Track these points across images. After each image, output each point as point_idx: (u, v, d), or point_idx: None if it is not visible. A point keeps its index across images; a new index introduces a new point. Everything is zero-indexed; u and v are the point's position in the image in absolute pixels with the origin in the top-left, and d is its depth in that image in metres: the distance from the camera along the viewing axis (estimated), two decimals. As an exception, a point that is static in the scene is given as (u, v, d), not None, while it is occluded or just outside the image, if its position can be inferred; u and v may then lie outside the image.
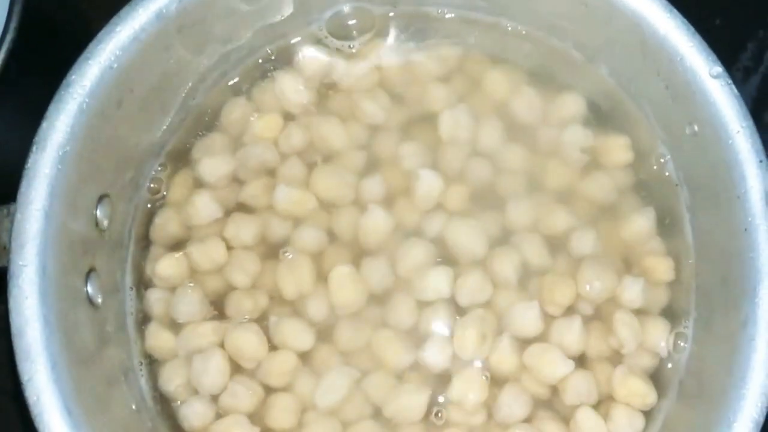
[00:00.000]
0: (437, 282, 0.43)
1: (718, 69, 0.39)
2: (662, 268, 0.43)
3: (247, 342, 0.42)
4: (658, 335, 0.42)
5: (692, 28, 0.40)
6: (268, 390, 0.43)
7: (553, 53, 0.46)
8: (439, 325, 0.43)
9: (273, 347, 0.43)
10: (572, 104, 0.46)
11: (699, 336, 0.41)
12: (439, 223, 0.45)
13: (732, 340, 0.36)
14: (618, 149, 0.46)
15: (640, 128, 0.45)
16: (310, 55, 0.47)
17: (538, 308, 0.42)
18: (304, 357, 0.43)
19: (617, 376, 0.41)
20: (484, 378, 0.42)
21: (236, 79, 0.47)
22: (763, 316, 0.36)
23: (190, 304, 0.43)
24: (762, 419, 0.34)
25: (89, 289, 0.38)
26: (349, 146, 0.47)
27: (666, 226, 0.44)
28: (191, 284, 0.44)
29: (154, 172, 0.45)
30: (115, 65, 0.37)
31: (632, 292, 0.41)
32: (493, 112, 0.47)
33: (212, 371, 0.42)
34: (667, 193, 0.44)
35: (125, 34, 0.36)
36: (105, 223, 0.40)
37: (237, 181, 0.46)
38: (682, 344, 0.41)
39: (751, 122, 0.38)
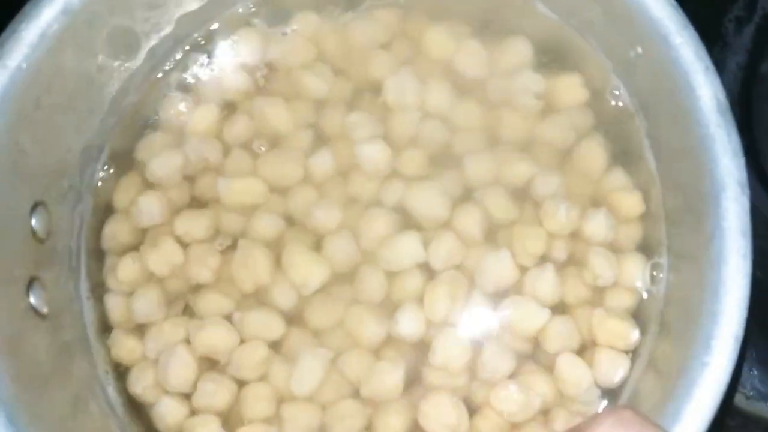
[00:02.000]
0: (409, 248, 0.42)
1: (652, -18, 0.38)
2: (630, 201, 0.42)
3: (216, 336, 0.42)
4: (636, 270, 0.41)
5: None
6: (243, 384, 0.42)
7: (490, 2, 0.45)
8: (410, 293, 0.42)
9: (243, 341, 0.42)
10: (519, 50, 0.45)
11: (673, 264, 0.39)
12: (398, 191, 0.44)
13: (702, 259, 0.35)
14: (571, 88, 0.45)
15: (589, 62, 0.44)
16: (243, 38, 0.46)
17: (508, 258, 0.41)
18: (276, 345, 0.42)
19: (596, 319, 0.40)
20: (464, 338, 0.41)
21: (169, 72, 0.46)
22: (729, 227, 0.34)
23: (150, 304, 0.43)
24: (741, 333, 0.33)
25: (32, 299, 0.38)
26: (296, 126, 0.46)
27: (630, 158, 0.42)
28: (150, 286, 0.43)
29: (97, 177, 0.44)
30: (24, 65, 0.36)
31: (597, 223, 0.40)
32: (439, 72, 0.46)
33: (178, 367, 0.41)
34: (626, 125, 0.43)
35: (32, 32, 0.36)
36: (43, 232, 0.39)
37: (187, 177, 0.46)
38: (658, 275, 0.40)
39: (692, 30, 0.37)
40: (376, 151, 0.44)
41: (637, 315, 0.40)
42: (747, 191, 0.34)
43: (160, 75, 0.47)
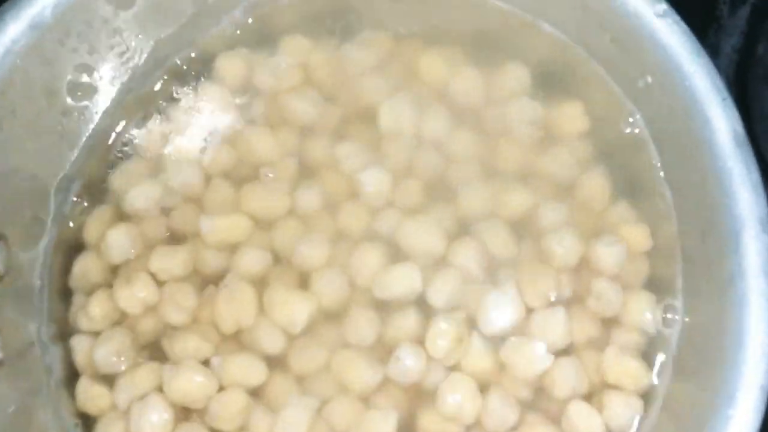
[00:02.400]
0: (405, 279, 0.39)
1: (663, 6, 0.36)
2: (637, 235, 0.40)
3: (192, 382, 0.38)
4: (644, 308, 0.38)
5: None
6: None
7: (491, 22, 0.43)
8: (406, 333, 0.39)
9: (222, 388, 0.39)
10: (516, 76, 0.43)
11: (689, 305, 0.37)
12: (391, 224, 0.41)
13: (722, 301, 0.33)
14: (572, 117, 0.42)
15: (596, 89, 0.42)
16: (226, 62, 0.44)
17: (515, 295, 0.38)
18: (258, 392, 0.39)
19: (608, 358, 0.37)
20: (473, 384, 0.38)
21: (148, 97, 0.44)
22: (751, 267, 0.32)
23: (120, 349, 0.39)
24: (767, 383, 0.30)
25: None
26: (281, 155, 0.43)
27: (642, 191, 0.40)
28: (120, 328, 0.40)
29: (67, 209, 0.41)
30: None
31: (603, 251, 0.38)
32: (434, 99, 0.43)
33: (151, 418, 0.38)
34: (639, 155, 0.40)
35: (-5, 46, 0.33)
36: (1, 268, 0.36)
37: (164, 210, 0.43)
38: (671, 317, 0.38)
39: (706, 59, 0.35)
40: (377, 179, 0.41)
41: (649, 357, 0.38)
42: (768, 229, 0.32)
43: (137, 99, 0.44)
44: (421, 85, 0.44)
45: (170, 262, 0.41)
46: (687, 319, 0.36)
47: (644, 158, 0.39)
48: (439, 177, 0.42)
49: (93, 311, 0.40)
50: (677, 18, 0.36)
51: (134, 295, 0.40)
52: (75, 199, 0.42)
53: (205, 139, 0.43)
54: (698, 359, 0.35)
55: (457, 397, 0.37)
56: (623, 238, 0.40)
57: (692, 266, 0.36)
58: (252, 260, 0.41)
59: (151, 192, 0.42)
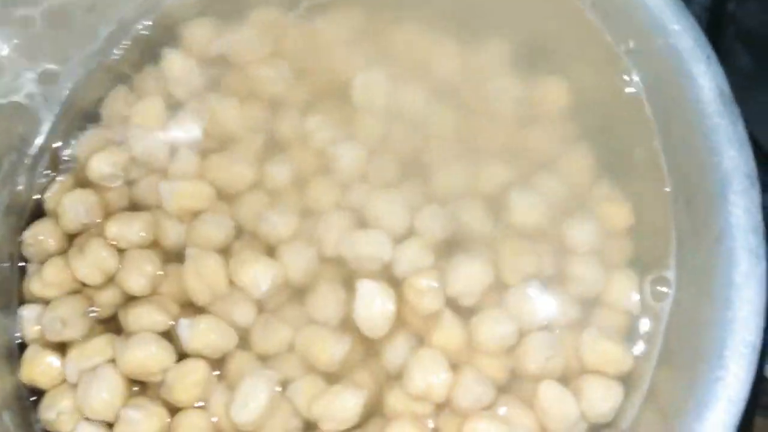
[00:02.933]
0: (374, 245, 0.37)
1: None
2: (618, 213, 0.38)
3: (147, 353, 0.36)
4: (626, 289, 0.36)
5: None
6: (176, 411, 0.36)
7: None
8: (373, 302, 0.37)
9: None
10: (496, 52, 0.42)
11: (680, 277, 0.34)
12: (360, 199, 0.40)
13: (711, 264, 0.31)
14: (555, 93, 0.41)
15: (581, 61, 0.40)
16: (194, 30, 0.42)
17: (487, 268, 0.36)
18: (218, 369, 0.37)
19: (586, 340, 0.35)
20: (443, 362, 0.35)
21: (113, 64, 0.42)
22: (738, 224, 0.30)
23: (69, 316, 0.37)
24: (760, 342, 0.28)
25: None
26: (249, 128, 0.42)
27: (631, 163, 0.38)
28: (73, 296, 0.38)
29: (25, 176, 0.39)
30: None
31: (576, 230, 0.36)
32: (410, 73, 0.42)
33: (102, 390, 0.35)
34: (628, 125, 0.38)
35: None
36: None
37: (128, 181, 0.41)
38: (664, 290, 0.35)
39: (690, 19, 0.34)
40: (352, 152, 0.39)
41: (634, 338, 0.36)
42: (757, 184, 0.30)
43: (103, 68, 0.42)
44: (397, 60, 0.42)
45: (128, 229, 0.39)
46: (678, 294, 0.34)
47: (636, 127, 0.37)
48: (414, 153, 0.41)
49: (47, 278, 0.38)
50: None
51: (88, 261, 0.38)
52: (43, 170, 0.40)
53: (171, 109, 0.42)
54: (688, 332, 0.32)
55: (426, 375, 0.35)
56: (603, 215, 0.38)
57: (682, 233, 0.34)
58: (213, 228, 0.39)
59: (112, 159, 0.40)
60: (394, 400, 0.36)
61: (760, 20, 0.40)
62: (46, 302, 0.38)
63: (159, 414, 0.36)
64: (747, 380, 0.27)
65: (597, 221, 0.38)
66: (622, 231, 0.38)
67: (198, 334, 0.36)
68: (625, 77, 0.37)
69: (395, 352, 0.37)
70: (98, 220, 0.40)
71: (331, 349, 0.36)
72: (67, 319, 0.37)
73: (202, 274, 0.38)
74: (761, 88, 0.39)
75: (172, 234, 0.39)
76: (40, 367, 0.37)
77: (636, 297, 0.36)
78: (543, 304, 0.37)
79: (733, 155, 0.31)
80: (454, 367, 0.36)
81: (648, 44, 0.35)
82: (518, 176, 0.40)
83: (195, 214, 0.40)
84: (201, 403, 0.36)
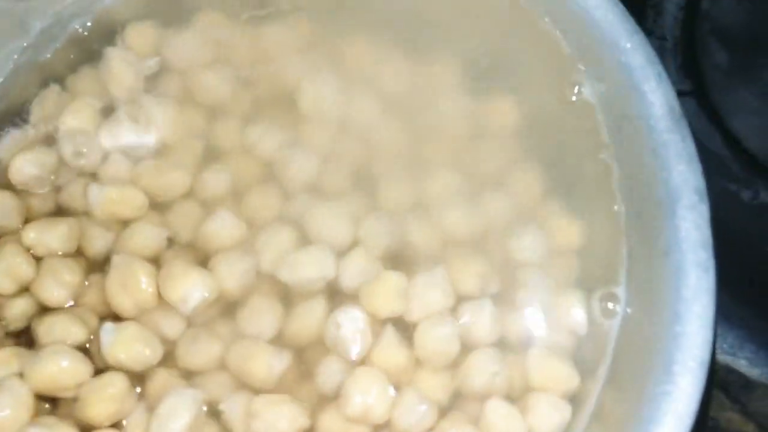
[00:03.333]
0: (317, 262, 0.35)
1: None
2: (566, 229, 0.37)
3: (56, 367, 0.33)
4: (574, 308, 0.35)
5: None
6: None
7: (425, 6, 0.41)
8: (311, 324, 0.35)
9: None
10: (446, 68, 0.41)
11: (630, 295, 0.33)
12: (302, 210, 0.38)
13: (659, 279, 0.30)
14: (503, 111, 0.40)
15: (532, 79, 0.39)
16: (135, 33, 0.41)
17: (443, 279, 0.35)
18: (140, 385, 0.34)
19: (532, 359, 0.34)
20: (383, 380, 0.34)
21: (46, 63, 0.40)
22: (687, 238, 0.29)
23: None
24: (708, 357, 0.27)
25: None
26: (187, 134, 0.40)
27: (582, 179, 0.37)
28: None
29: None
30: None
31: (520, 245, 0.35)
32: (359, 84, 0.41)
33: (6, 406, 0.32)
34: (578, 142, 0.37)
35: None
36: None
37: (55, 187, 0.39)
38: (612, 307, 0.34)
39: (642, 36, 0.34)
40: (301, 160, 0.38)
41: (582, 355, 0.34)
42: (706, 199, 0.30)
43: (35, 67, 0.40)
44: (345, 70, 0.41)
45: (48, 235, 0.36)
46: (628, 309, 0.33)
47: (587, 144, 0.37)
48: (360, 165, 0.40)
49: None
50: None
51: (0, 267, 0.35)
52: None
53: (105, 112, 0.40)
54: (635, 349, 0.31)
55: (365, 395, 0.33)
56: (551, 232, 0.37)
57: (632, 248, 0.33)
58: (143, 237, 0.37)
59: (40, 161, 0.38)
60: (329, 422, 0.34)
61: (735, 16, 0.40)
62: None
63: (67, 434, 0.33)
64: (695, 396, 0.26)
65: (545, 238, 0.37)
66: (570, 249, 0.37)
67: (121, 340, 0.34)
68: (577, 94, 0.37)
69: (330, 371, 0.35)
70: (17, 225, 0.37)
71: (269, 363, 0.34)
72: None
73: (128, 285, 0.35)
74: (737, 84, 0.40)
75: (99, 243, 0.37)
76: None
77: (583, 316, 0.35)
78: (489, 321, 0.35)
79: (683, 170, 0.31)
80: (395, 386, 0.34)
81: (600, 61, 0.35)
82: (465, 192, 0.39)
83: (124, 223, 0.38)
84: (118, 423, 0.34)
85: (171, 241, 0.38)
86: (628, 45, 0.34)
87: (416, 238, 0.37)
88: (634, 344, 0.31)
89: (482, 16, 0.40)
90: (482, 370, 0.33)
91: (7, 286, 0.35)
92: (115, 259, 0.36)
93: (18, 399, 0.33)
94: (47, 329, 0.35)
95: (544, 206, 0.38)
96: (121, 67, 0.40)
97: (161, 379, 0.35)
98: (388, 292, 0.34)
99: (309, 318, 0.35)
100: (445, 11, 0.41)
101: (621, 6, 0.35)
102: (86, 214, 0.38)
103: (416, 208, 0.38)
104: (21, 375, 0.33)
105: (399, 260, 0.37)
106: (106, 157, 0.39)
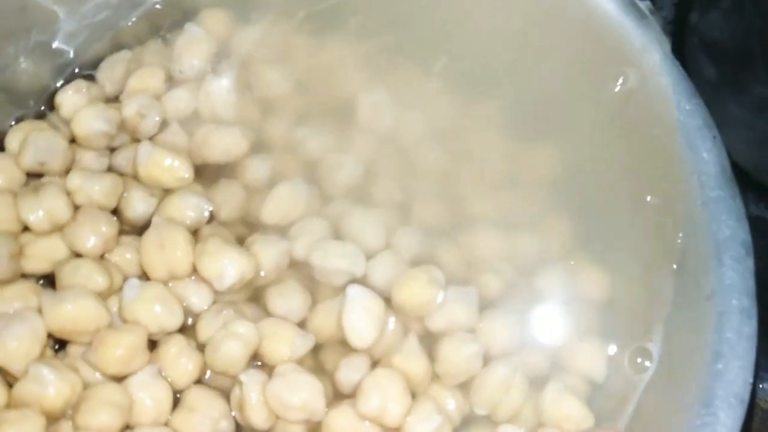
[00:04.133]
0: (347, 258, 0.35)
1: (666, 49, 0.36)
2: (598, 282, 0.37)
3: (79, 308, 0.32)
4: (590, 358, 0.35)
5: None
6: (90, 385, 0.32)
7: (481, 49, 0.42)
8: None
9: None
10: (492, 107, 0.42)
11: (664, 341, 0.33)
12: (339, 212, 0.38)
13: (700, 322, 0.30)
14: (544, 160, 0.41)
15: (574, 131, 0.40)
16: (209, 18, 0.42)
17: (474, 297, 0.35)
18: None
19: (547, 394, 0.34)
20: (401, 383, 0.33)
21: (120, 32, 0.41)
22: (733, 285, 0.30)
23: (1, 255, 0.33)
24: (747, 397, 0.27)
25: None
26: (240, 120, 0.40)
27: (619, 230, 0.37)
28: (9, 235, 0.34)
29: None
30: None
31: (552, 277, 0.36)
32: (411, 106, 0.42)
33: (19, 337, 0.31)
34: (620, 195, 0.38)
35: None
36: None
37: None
38: (641, 361, 0.33)
39: (700, 100, 0.35)
40: (350, 166, 0.38)
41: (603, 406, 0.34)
42: (752, 254, 0.30)
43: (109, 31, 0.41)
44: (399, 90, 0.42)
45: (92, 184, 0.36)
46: (660, 361, 0.33)
47: (629, 198, 0.37)
48: (400, 181, 0.40)
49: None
50: (676, 63, 0.36)
51: (40, 204, 0.34)
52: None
53: (169, 84, 0.40)
54: (664, 396, 0.31)
55: (385, 396, 0.32)
56: (581, 283, 0.37)
57: (669, 294, 0.33)
58: (187, 206, 0.36)
59: (102, 116, 0.38)
60: (339, 418, 0.33)
61: (723, 31, 0.41)
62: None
63: (73, 382, 0.31)
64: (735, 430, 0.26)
65: (571, 285, 0.37)
66: (597, 299, 0.37)
67: (144, 298, 0.33)
68: (628, 149, 0.38)
69: (350, 368, 0.34)
70: (64, 170, 0.37)
71: (294, 341, 0.33)
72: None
73: (165, 247, 0.34)
74: (726, 99, 0.40)
75: (139, 206, 0.37)
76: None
77: (603, 366, 0.35)
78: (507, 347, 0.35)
79: (732, 225, 0.31)
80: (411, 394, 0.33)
81: (660, 120, 0.36)
82: (496, 224, 0.39)
83: (166, 192, 0.37)
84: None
85: (210, 218, 0.37)
86: (688, 107, 0.35)
87: (444, 257, 0.37)
88: (663, 390, 0.31)
89: (538, 64, 0.41)
90: (496, 392, 0.32)
91: (43, 225, 0.34)
92: (156, 220, 0.35)
93: (32, 332, 0.31)
94: (71, 273, 0.34)
95: (574, 254, 0.38)
96: (193, 44, 0.40)
97: (176, 347, 0.33)
98: (419, 287, 0.34)
99: (332, 314, 0.35)
100: (501, 56, 0.42)
101: (683, 71, 0.36)
102: (134, 178, 0.37)
103: (447, 230, 0.39)
104: (39, 311, 0.32)
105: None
106: (164, 125, 0.39)
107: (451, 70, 0.42)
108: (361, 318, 0.33)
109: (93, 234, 0.34)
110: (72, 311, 0.32)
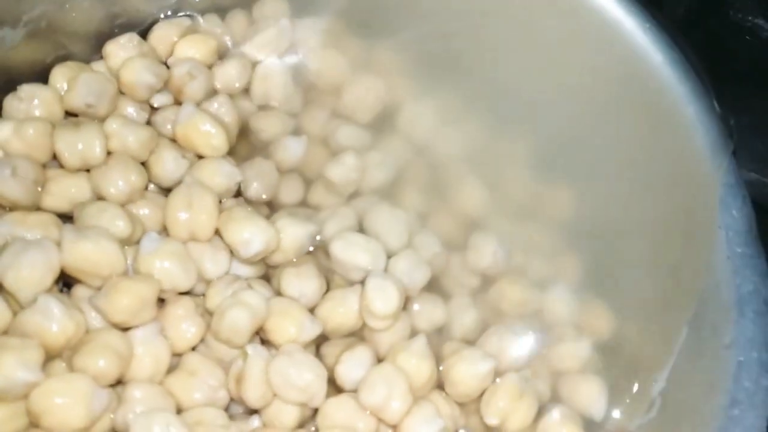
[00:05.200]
0: (370, 252, 0.34)
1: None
2: (595, 323, 0.37)
3: (99, 249, 0.31)
4: (588, 396, 0.35)
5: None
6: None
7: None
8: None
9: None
10: (517, 143, 0.42)
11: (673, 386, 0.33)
12: (365, 207, 0.38)
13: (717, 369, 0.30)
14: (562, 200, 0.41)
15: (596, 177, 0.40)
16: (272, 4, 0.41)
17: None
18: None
19: (550, 420, 0.33)
20: (408, 381, 0.32)
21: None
22: (753, 338, 0.29)
23: (27, 180, 0.32)
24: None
25: None
26: (284, 104, 0.40)
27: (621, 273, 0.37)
28: (38, 164, 0.33)
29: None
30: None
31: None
32: (448, 122, 0.42)
33: (34, 264, 0.29)
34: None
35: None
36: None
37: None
38: (645, 405, 0.33)
39: (733, 160, 0.35)
40: (384, 166, 0.38)
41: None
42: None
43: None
44: (439, 106, 0.42)
45: (129, 132, 0.35)
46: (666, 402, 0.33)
47: (644, 249, 0.37)
48: (427, 189, 0.40)
49: (23, 133, 0.33)
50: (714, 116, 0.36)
51: (78, 139, 0.33)
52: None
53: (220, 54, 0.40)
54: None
55: (389, 392, 0.31)
56: (586, 325, 0.37)
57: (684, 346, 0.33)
58: (220, 172, 0.35)
59: (151, 69, 0.37)
60: (338, 408, 0.32)
61: None
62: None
63: (78, 322, 0.30)
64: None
65: (578, 319, 0.37)
66: (597, 338, 0.37)
67: (162, 252, 0.32)
68: (654, 201, 0.38)
69: (353, 361, 0.33)
70: (105, 113, 0.36)
71: (303, 323, 0.32)
72: (19, 175, 0.32)
73: (193, 206, 0.33)
74: None
75: (170, 165, 0.36)
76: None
77: (602, 404, 0.34)
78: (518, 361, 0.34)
79: (756, 281, 0.31)
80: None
81: (690, 174, 0.36)
82: (508, 249, 0.39)
83: (198, 158, 0.36)
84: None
85: (236, 194, 0.36)
86: (723, 165, 0.35)
87: (454, 273, 0.37)
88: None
89: (573, 106, 0.41)
90: (509, 400, 0.32)
91: (74, 161, 0.33)
92: (189, 179, 0.34)
93: (47, 263, 0.30)
94: (95, 214, 0.32)
95: (581, 293, 0.38)
96: (259, 26, 0.40)
97: (183, 309, 0.32)
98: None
99: (343, 304, 0.34)
100: (538, 91, 0.42)
101: (722, 126, 0.36)
102: (170, 140, 0.37)
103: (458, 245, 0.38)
104: (58, 245, 0.31)
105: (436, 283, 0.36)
106: (211, 95, 0.38)
107: (486, 94, 0.42)
108: (385, 287, 0.32)
109: (122, 180, 0.33)
110: (91, 250, 0.30)
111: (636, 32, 0.36)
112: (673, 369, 0.32)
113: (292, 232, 0.34)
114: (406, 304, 0.35)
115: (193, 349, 0.32)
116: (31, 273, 0.29)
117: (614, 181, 0.39)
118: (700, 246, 0.34)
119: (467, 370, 0.32)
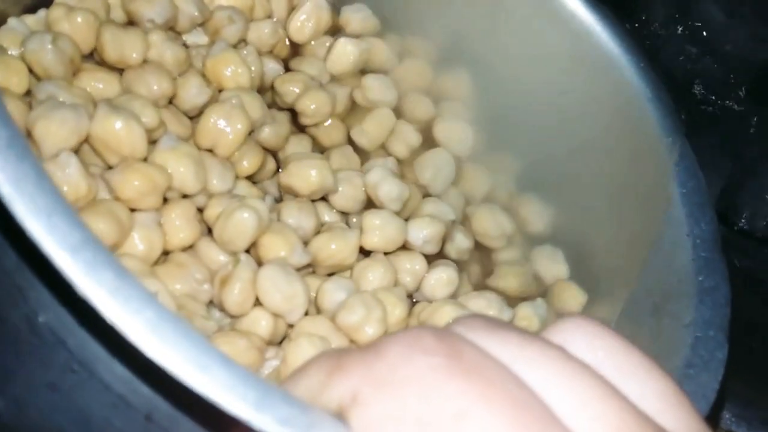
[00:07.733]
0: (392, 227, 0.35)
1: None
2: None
3: (126, 127, 0.31)
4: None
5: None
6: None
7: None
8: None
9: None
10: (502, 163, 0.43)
11: None
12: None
13: (669, 344, 0.31)
14: (536, 217, 0.43)
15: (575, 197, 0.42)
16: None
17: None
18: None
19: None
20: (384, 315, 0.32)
21: None
22: (712, 321, 0.31)
23: (63, 51, 0.33)
24: (713, 397, 0.27)
25: None
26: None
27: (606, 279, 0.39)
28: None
29: None
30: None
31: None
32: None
33: (63, 122, 0.30)
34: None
35: None
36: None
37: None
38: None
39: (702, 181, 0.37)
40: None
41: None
42: (730, 305, 0.32)
43: None
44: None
45: (166, 48, 0.35)
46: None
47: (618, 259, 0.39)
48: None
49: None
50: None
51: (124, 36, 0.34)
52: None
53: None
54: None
55: (369, 313, 0.31)
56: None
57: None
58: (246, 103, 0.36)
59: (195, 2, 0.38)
60: (310, 325, 0.31)
61: None
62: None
63: (90, 186, 0.29)
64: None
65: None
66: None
67: (177, 153, 0.32)
68: (628, 216, 0.39)
69: (336, 286, 0.33)
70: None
71: (294, 248, 0.32)
72: (59, 48, 0.32)
73: (231, 119, 0.34)
74: None
75: (193, 92, 0.36)
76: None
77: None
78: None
79: (717, 279, 0.33)
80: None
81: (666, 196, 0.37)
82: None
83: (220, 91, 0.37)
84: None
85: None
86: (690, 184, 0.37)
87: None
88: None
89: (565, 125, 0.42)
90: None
91: (113, 54, 0.34)
92: (226, 94, 0.35)
93: (76, 126, 0.30)
94: (124, 102, 0.32)
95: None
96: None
97: (181, 209, 0.32)
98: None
99: (335, 241, 0.34)
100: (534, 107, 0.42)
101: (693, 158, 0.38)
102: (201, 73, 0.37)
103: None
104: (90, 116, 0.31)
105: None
106: (243, 45, 0.39)
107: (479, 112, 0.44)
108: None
109: (156, 83, 0.34)
110: (120, 127, 0.31)
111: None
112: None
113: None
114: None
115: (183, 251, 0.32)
116: (59, 129, 0.29)
117: (589, 197, 0.40)
118: (668, 252, 0.36)
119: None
